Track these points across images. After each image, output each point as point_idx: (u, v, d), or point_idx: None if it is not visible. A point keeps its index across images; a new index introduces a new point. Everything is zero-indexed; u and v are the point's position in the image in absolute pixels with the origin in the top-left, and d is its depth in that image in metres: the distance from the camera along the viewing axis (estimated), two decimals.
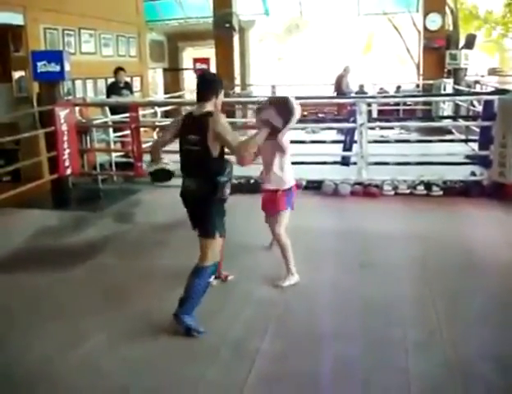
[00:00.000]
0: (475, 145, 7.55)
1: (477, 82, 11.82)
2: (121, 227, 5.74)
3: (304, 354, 3.14)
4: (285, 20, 26.28)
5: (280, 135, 3.72)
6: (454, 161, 6.99)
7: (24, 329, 3.52)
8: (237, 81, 14.56)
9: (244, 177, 6.51)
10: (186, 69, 16.10)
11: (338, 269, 4.32)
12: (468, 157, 7.33)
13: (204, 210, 3.36)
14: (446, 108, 11.19)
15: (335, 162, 7.06)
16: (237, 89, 14.06)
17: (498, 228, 5.23)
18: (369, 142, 6.63)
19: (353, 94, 12.02)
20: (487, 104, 6.97)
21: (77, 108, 7.36)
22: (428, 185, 6.44)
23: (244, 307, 3.70)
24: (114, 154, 7.74)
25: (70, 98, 7.60)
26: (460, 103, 10.41)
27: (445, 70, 12.71)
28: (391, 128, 9.85)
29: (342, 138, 7.47)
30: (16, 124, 7.40)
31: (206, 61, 11.92)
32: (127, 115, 7.20)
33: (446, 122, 10.02)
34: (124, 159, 7.83)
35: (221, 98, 3.46)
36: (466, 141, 8.42)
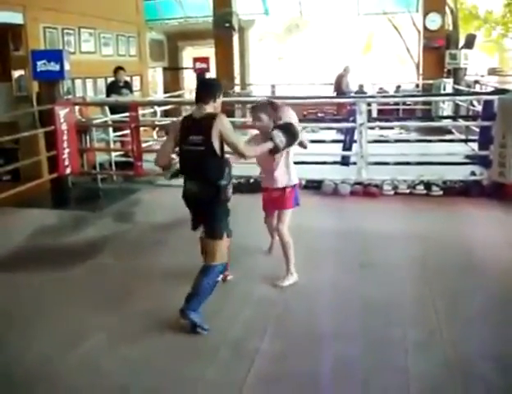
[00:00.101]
0: (475, 145, 7.55)
1: (476, 82, 11.81)
2: (121, 227, 5.74)
3: (303, 354, 3.14)
4: (285, 20, 26.24)
5: (278, 154, 3.79)
6: (453, 161, 6.99)
7: (23, 329, 3.51)
8: (237, 81, 14.57)
9: (244, 177, 6.51)
10: (186, 68, 16.09)
11: (338, 269, 4.31)
12: (467, 157, 7.33)
13: (210, 212, 3.38)
14: (446, 108, 11.16)
15: (335, 162, 7.06)
16: (237, 89, 14.07)
17: (498, 228, 5.23)
18: (369, 142, 6.62)
19: (352, 94, 12.01)
20: (487, 104, 6.97)
21: (77, 108, 7.34)
22: (428, 185, 6.43)
23: (244, 307, 3.70)
24: (114, 154, 7.73)
25: (69, 97, 7.57)
26: (460, 102, 10.40)
27: (445, 70, 12.71)
28: (391, 128, 9.81)
29: (342, 137, 7.48)
30: (15, 123, 7.38)
31: (206, 60, 11.92)
32: (127, 114, 7.19)
33: (446, 122, 10.02)
34: (123, 159, 7.83)
35: (220, 101, 3.47)
36: (466, 141, 8.40)
